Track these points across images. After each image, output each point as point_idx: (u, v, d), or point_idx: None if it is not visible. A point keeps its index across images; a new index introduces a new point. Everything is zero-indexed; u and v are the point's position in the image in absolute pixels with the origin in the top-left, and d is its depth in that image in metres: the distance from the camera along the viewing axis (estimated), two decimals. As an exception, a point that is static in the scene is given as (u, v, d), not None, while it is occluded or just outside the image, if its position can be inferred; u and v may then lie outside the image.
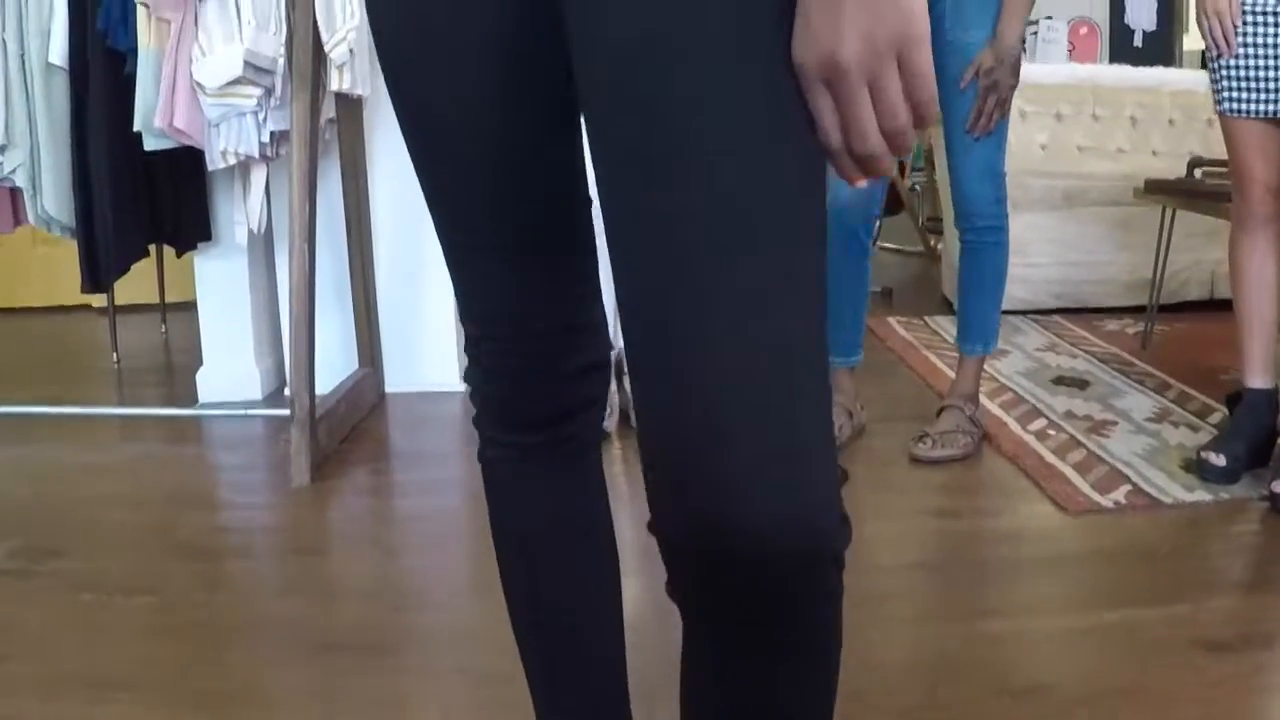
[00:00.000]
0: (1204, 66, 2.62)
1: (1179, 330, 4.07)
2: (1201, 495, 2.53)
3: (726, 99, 0.71)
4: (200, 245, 3.49)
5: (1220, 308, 2.62)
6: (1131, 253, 4.01)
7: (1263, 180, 2.55)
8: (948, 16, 2.66)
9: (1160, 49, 5.91)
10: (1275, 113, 2.49)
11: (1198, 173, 3.52)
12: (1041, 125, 4.58)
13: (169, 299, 4.44)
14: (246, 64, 2.81)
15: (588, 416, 1.06)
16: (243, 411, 3.38)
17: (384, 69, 0.94)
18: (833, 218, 2.53)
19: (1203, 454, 2.62)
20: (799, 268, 0.73)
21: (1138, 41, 6.10)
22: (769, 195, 0.72)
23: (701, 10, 0.71)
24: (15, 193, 3.22)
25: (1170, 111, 4.76)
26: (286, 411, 2.94)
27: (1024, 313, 4.33)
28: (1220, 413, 3.02)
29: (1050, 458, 2.75)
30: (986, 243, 2.80)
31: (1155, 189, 3.70)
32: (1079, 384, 3.40)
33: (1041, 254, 4.28)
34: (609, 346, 1.06)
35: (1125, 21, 6.17)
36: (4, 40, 3.03)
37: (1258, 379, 2.65)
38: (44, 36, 3.00)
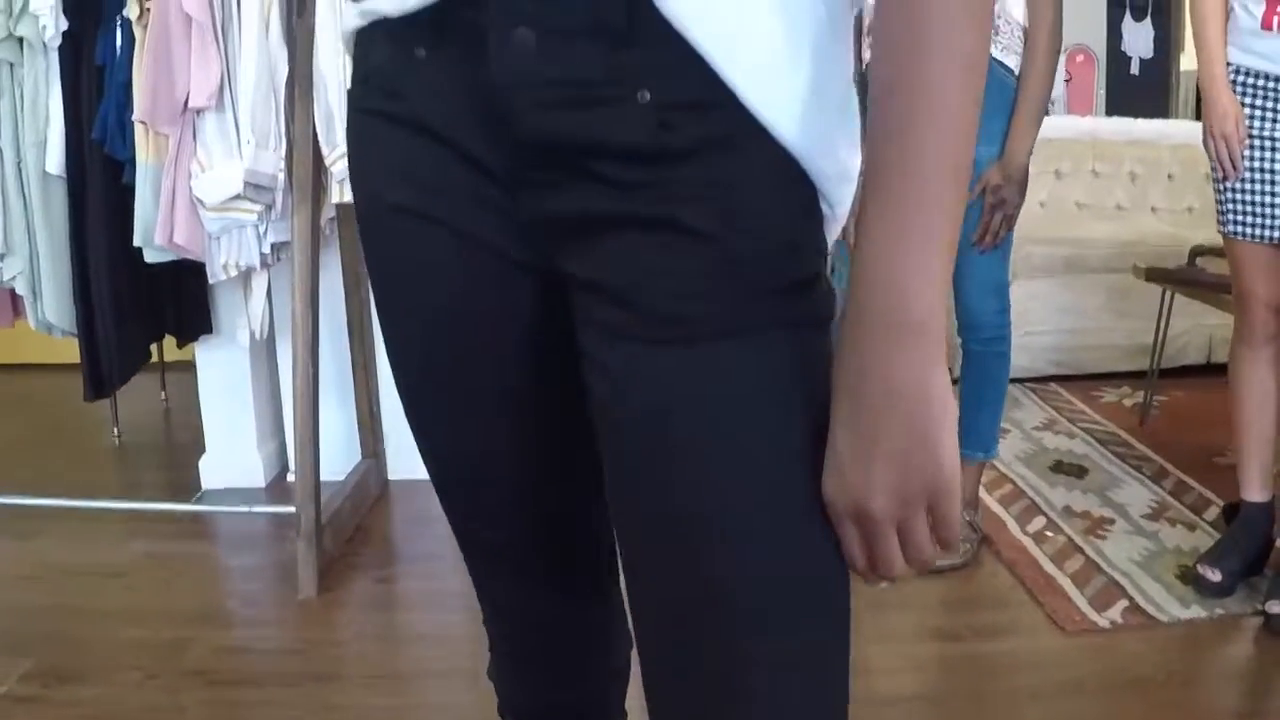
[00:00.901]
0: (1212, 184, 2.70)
1: (1178, 401, 4.18)
2: (1197, 611, 2.63)
3: (751, 484, 0.78)
4: (202, 337, 3.55)
5: (1218, 372, 2.73)
6: (1131, 319, 4.11)
7: (1265, 300, 2.65)
8: None
9: (1157, 76, 5.98)
10: (1278, 239, 2.56)
11: (1199, 261, 3.59)
12: (1041, 183, 4.67)
13: (167, 357, 4.49)
14: (247, 183, 2.87)
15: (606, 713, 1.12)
16: (246, 509, 3.45)
17: (403, 403, 1.00)
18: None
19: (1199, 568, 2.71)
20: (821, 652, 0.80)
21: (1134, 69, 6.17)
22: (791, 579, 0.79)
23: (732, 405, 0.78)
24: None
25: (1170, 165, 4.85)
26: (291, 509, 3.01)
27: (1022, 381, 4.42)
28: (1216, 506, 3.11)
29: (1049, 566, 2.85)
30: (990, 353, 2.88)
31: (1157, 276, 3.80)
32: (1077, 471, 3.50)
33: (1041, 322, 4.37)
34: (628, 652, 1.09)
35: (1122, 49, 6.23)
36: (1, 148, 3.08)
37: (1255, 493, 2.74)
38: (40, 147, 3.05)
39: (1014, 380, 4.26)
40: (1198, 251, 3.63)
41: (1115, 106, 6.16)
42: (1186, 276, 3.66)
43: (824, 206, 0.83)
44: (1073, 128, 4.94)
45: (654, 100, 0.78)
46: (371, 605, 2.92)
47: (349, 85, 0.99)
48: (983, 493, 3.15)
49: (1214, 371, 4.15)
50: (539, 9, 0.78)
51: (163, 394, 4.62)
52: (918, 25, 0.74)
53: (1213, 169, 2.67)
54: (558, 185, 0.82)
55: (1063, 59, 6.12)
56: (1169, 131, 4.90)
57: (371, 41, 0.92)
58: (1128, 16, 6.22)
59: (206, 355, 3.65)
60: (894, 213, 0.74)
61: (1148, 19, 6.15)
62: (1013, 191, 2.71)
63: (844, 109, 0.84)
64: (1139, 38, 6.18)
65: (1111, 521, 3.11)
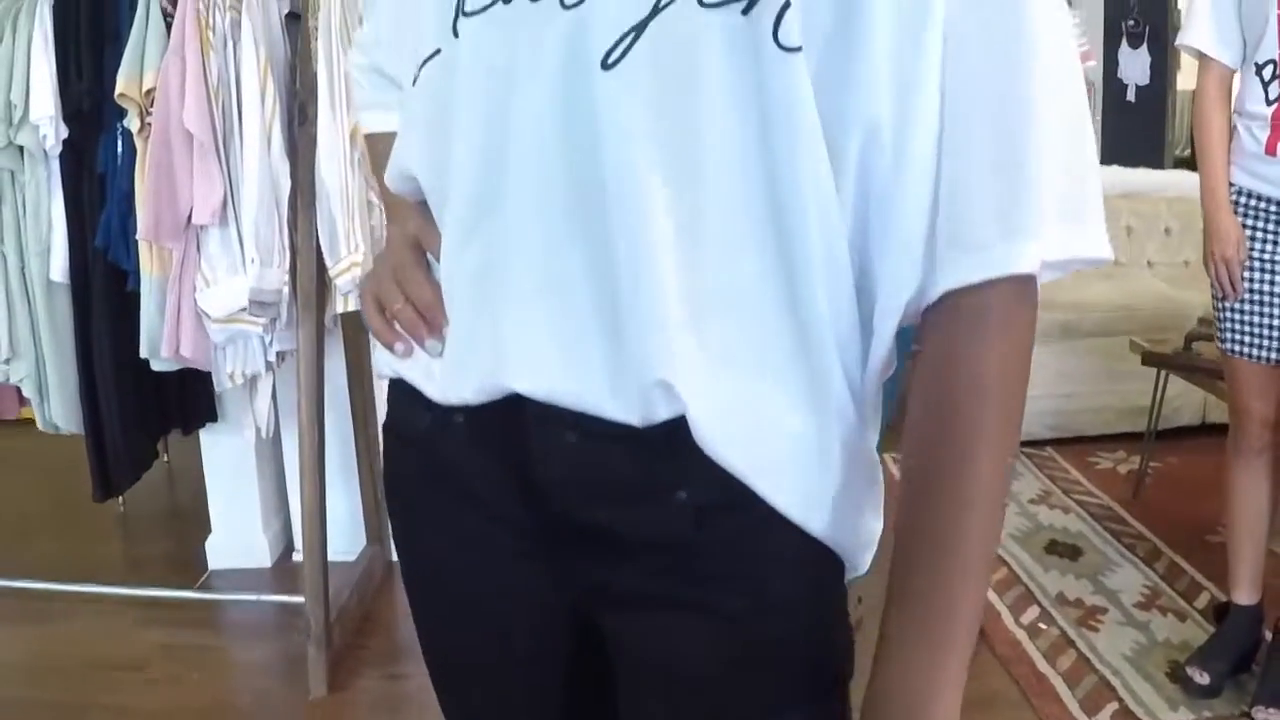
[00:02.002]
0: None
1: (1172, 468, 4.31)
2: (1185, 714, 2.78)
3: None
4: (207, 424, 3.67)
5: (1211, 433, 2.84)
6: (1126, 381, 4.22)
7: (1260, 416, 2.77)
8: None
9: (1153, 103, 6.08)
10: (1277, 361, 2.69)
11: (1196, 345, 3.70)
12: (1035, 240, 4.76)
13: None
14: (252, 301, 2.98)
15: None
16: (255, 597, 3.58)
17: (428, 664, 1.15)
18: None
19: (1187, 669, 2.85)
20: None
21: (1131, 96, 6.26)
22: None
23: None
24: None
25: (1166, 219, 4.96)
26: (300, 599, 3.14)
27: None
28: (1207, 593, 3.24)
29: (1042, 665, 2.99)
30: None
31: (1153, 360, 3.95)
32: (1071, 552, 3.65)
33: (1036, 387, 4.39)
34: None
35: (1119, 76, 6.32)
36: (4, 254, 3.20)
37: (1244, 596, 2.87)
38: (44, 254, 3.16)
39: (1010, 444, 4.41)
40: (1193, 336, 3.74)
41: (1111, 134, 6.25)
42: (1183, 362, 3.81)
43: (848, 566, 0.96)
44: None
45: (691, 500, 0.90)
46: (382, 704, 3.04)
47: (385, 408, 1.12)
48: (978, 577, 3.27)
49: (1208, 432, 4.28)
50: (580, 415, 0.90)
51: (165, 456, 4.73)
52: (958, 492, 0.86)
53: (1213, 288, 2.77)
54: (593, 558, 0.95)
55: (1079, 24, 6.22)
56: (1165, 183, 5.01)
57: (409, 394, 1.05)
58: (1124, 43, 6.31)
59: (212, 439, 3.78)
60: (919, 632, 0.87)
61: (1144, 46, 6.24)
62: None
63: (870, 484, 0.96)
64: (1135, 65, 6.28)
65: (1104, 611, 3.24)
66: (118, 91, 2.92)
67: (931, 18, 0.83)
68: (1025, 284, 0.85)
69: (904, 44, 0.83)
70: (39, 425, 3.38)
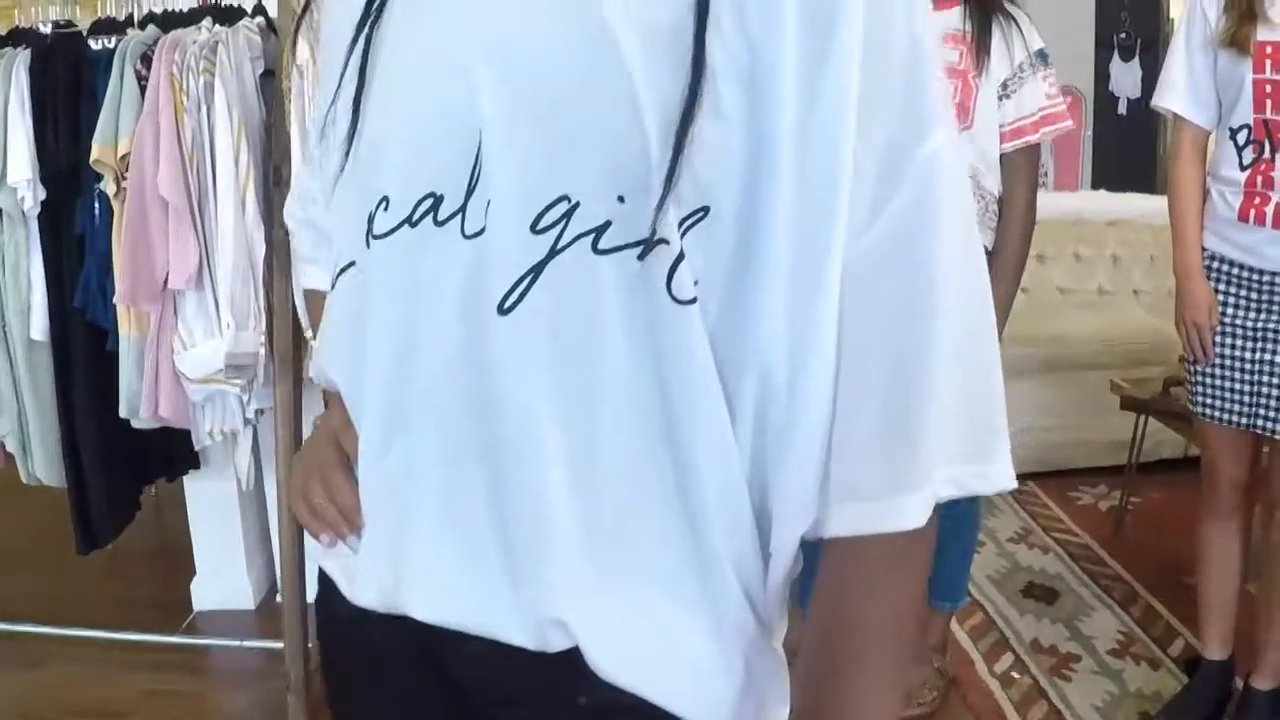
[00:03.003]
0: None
1: (1152, 504, 4.38)
2: (1154, 770, 2.83)
3: None
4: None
5: (1194, 466, 2.88)
6: (1109, 415, 4.26)
7: (1229, 478, 2.82)
8: None
9: (1143, 116, 6.11)
10: (1246, 425, 2.73)
11: (1174, 390, 3.76)
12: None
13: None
14: (228, 365, 3.04)
15: None
16: (238, 643, 3.66)
17: None
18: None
19: (1158, 726, 2.91)
20: None
21: (1122, 109, 6.31)
22: None
23: None
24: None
25: (1152, 247, 5.01)
26: (280, 645, 3.21)
27: (1000, 480, 4.56)
28: (1182, 639, 3.33)
29: (1013, 716, 3.05)
30: (958, 514, 3.00)
31: (1131, 405, 4.04)
32: (1048, 596, 3.72)
33: (1017, 421, 4.43)
34: None
35: (1110, 89, 6.36)
36: (-16, 313, 3.27)
37: (1215, 652, 2.94)
38: (24, 314, 3.22)
39: (992, 479, 4.46)
40: (1171, 381, 3.80)
41: (1101, 152, 6.29)
42: (1161, 406, 3.88)
43: None
44: (1056, 207, 5.06)
45: (591, 703, 0.95)
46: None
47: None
48: (955, 623, 3.35)
49: (1191, 466, 4.30)
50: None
51: (153, 490, 4.78)
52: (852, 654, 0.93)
53: (1184, 352, 2.81)
54: None
55: (1056, 77, 6.26)
56: (1152, 210, 5.03)
57: (331, 583, 1.11)
58: (1116, 57, 6.36)
59: (196, 485, 3.85)
60: None
61: (1135, 59, 6.28)
62: None
63: (774, 677, 1.00)
64: (1127, 78, 6.32)
65: (1078, 659, 3.31)
66: (93, 158, 2.99)
67: (829, 270, 0.86)
68: (913, 533, 0.89)
69: (800, 295, 0.87)
70: (22, 479, 3.44)
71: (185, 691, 3.49)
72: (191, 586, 3.96)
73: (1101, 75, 6.38)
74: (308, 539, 1.14)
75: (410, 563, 0.99)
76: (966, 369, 0.91)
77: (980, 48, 2.76)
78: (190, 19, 3.16)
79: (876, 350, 0.88)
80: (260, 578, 3.97)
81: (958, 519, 3.00)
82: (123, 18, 3.28)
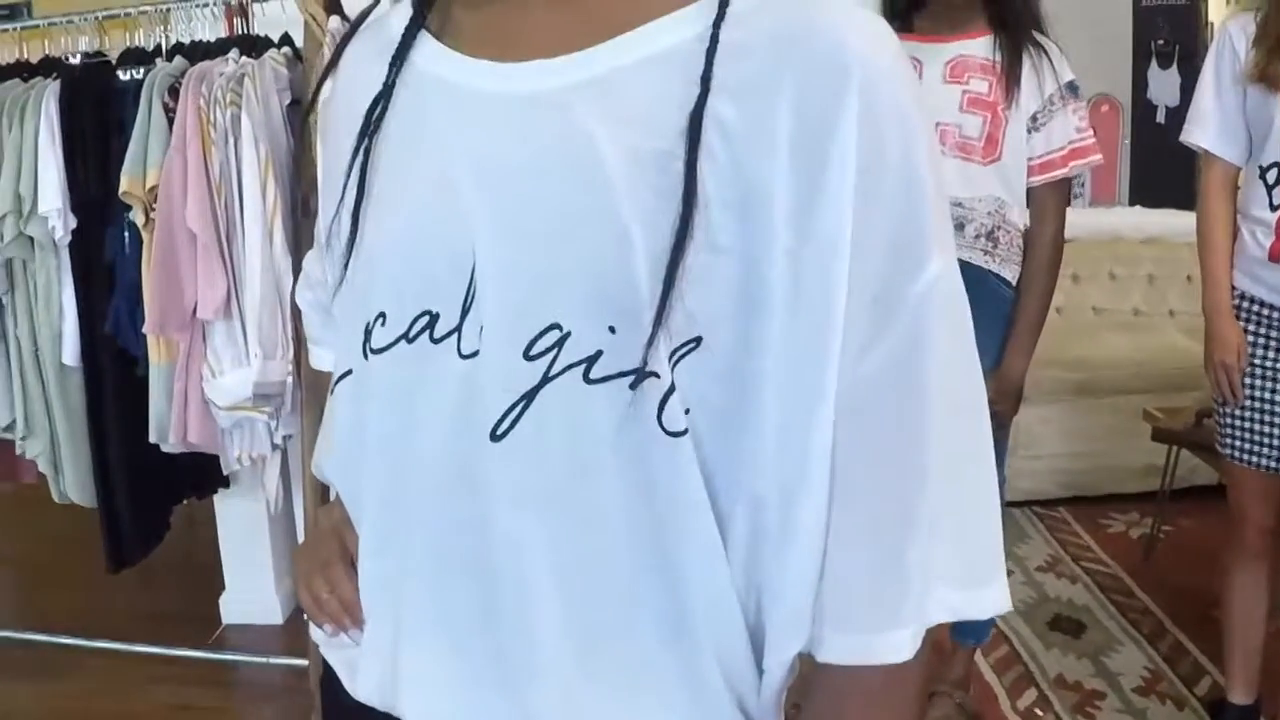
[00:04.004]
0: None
1: (1184, 532, 4.35)
2: (1174, 818, 2.82)
3: None
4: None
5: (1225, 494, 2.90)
6: (1142, 438, 4.22)
7: (1256, 523, 2.80)
8: None
9: (1182, 124, 6.02)
10: (1276, 469, 2.71)
11: (1206, 422, 3.74)
12: (1058, 286, 4.75)
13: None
14: (256, 394, 3.06)
15: None
16: (265, 659, 3.70)
17: None
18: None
19: (1181, 775, 2.90)
20: None
21: (1160, 118, 6.24)
22: None
23: None
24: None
25: (1189, 266, 4.95)
26: (305, 662, 3.25)
27: (1029, 504, 4.60)
28: (1209, 678, 3.31)
29: (1034, 758, 3.04)
30: None
31: (1163, 437, 4.03)
32: (1075, 629, 3.70)
33: (1050, 445, 4.53)
34: None
35: (1148, 97, 6.30)
36: (18, 338, 3.31)
37: (1239, 695, 2.93)
38: (55, 340, 3.27)
39: (1022, 504, 4.45)
40: (1204, 413, 3.77)
41: (1139, 165, 6.24)
42: (1193, 439, 3.86)
43: None
44: (1092, 226, 5.04)
45: None
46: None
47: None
48: (980, 655, 3.34)
49: (1223, 494, 4.28)
50: None
51: (185, 500, 4.83)
52: None
53: (1213, 393, 2.79)
54: None
55: (1086, 108, 6.22)
56: (1188, 228, 4.96)
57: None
58: (1154, 64, 6.29)
59: (225, 503, 3.90)
60: None
61: (1174, 67, 6.21)
62: (1006, 405, 2.81)
63: None
64: (1165, 86, 6.26)
65: (1103, 696, 3.31)
66: (121, 190, 3.03)
67: (821, 402, 0.87)
68: (905, 663, 0.91)
69: (792, 426, 0.88)
70: (54, 498, 3.49)
71: (211, 706, 3.56)
72: (220, 601, 4.02)
73: (1139, 83, 6.32)
74: (312, 626, 1.16)
75: (405, 666, 1.01)
76: (962, 495, 0.92)
77: (1010, 79, 2.74)
78: (217, 50, 3.19)
79: (867, 484, 0.89)
80: (288, 594, 4.01)
81: None
82: (151, 48, 3.30)
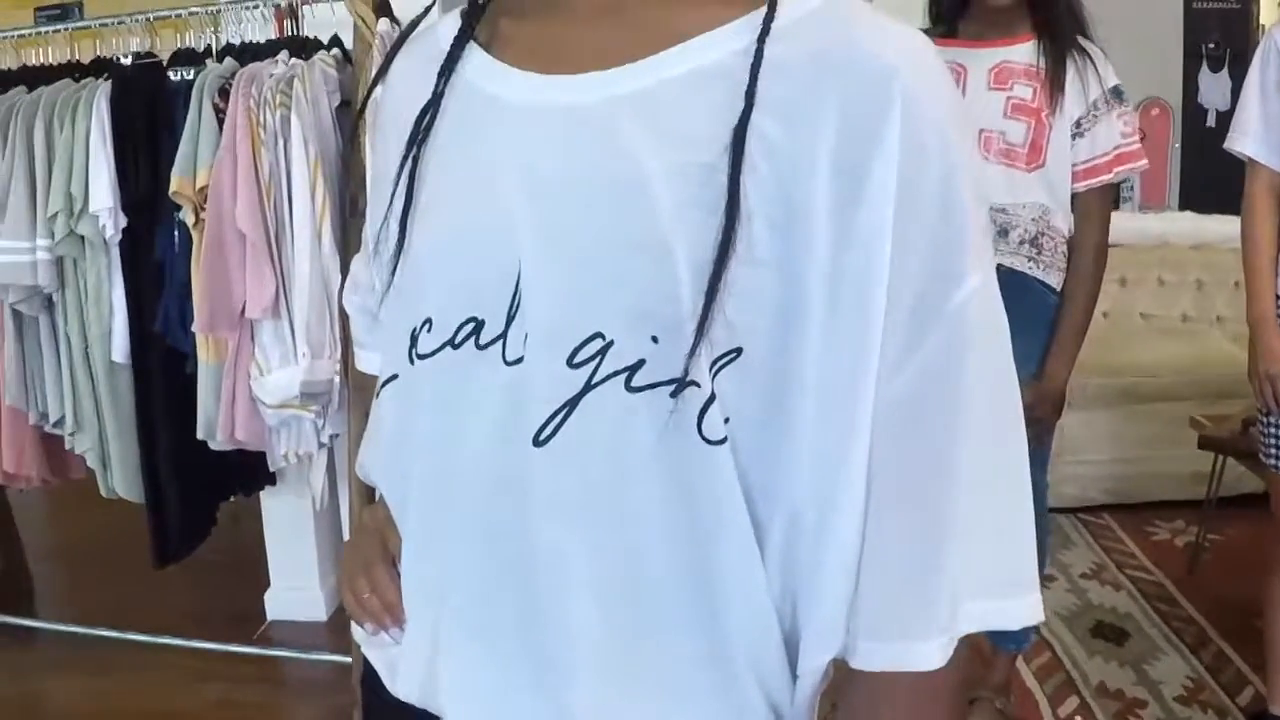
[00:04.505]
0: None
1: (1230, 541, 4.32)
2: (1214, 827, 2.82)
3: None
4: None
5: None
6: (1188, 446, 4.21)
7: None
8: None
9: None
10: None
11: (1253, 430, 3.72)
12: (1106, 292, 4.76)
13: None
14: (303, 394, 3.11)
15: None
16: (310, 655, 3.75)
17: None
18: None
19: (1222, 784, 2.90)
20: None
21: (1210, 122, 6.22)
22: None
23: None
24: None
25: (1236, 272, 4.88)
26: (349, 660, 3.29)
27: (1074, 511, 4.60)
28: (1252, 688, 3.30)
29: (1075, 767, 3.04)
30: None
31: (1209, 445, 4.03)
32: (1118, 636, 3.71)
33: (1095, 452, 4.53)
34: None
35: (1199, 101, 6.28)
36: (68, 335, 3.37)
37: None
38: (105, 337, 3.31)
39: (1066, 510, 4.44)
40: (1250, 421, 3.76)
41: (1189, 171, 6.22)
42: (1240, 447, 3.86)
43: None
44: (1140, 231, 5.04)
45: None
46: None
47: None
48: (1022, 662, 3.35)
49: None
50: None
51: (231, 497, 4.89)
52: None
53: (1258, 402, 2.77)
54: None
55: (1136, 114, 6.20)
56: (1236, 234, 4.93)
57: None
58: (1205, 68, 6.27)
59: (271, 500, 3.96)
60: None
61: (1224, 70, 6.19)
62: (1048, 411, 2.81)
63: None
64: (1215, 90, 6.24)
65: (1144, 705, 3.31)
66: (172, 190, 3.08)
67: (859, 413, 0.89)
68: (937, 671, 0.93)
69: (830, 436, 0.90)
70: (102, 493, 3.55)
71: (255, 701, 3.61)
72: (265, 597, 4.07)
73: (1190, 87, 6.30)
74: (353, 625, 1.18)
75: (444, 666, 1.04)
76: (995, 507, 0.94)
77: (1054, 85, 2.74)
78: (267, 51, 3.24)
79: (902, 495, 0.91)
80: (332, 591, 4.05)
81: None
82: (201, 49, 3.36)
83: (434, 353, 1.00)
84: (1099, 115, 2.77)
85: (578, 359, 0.91)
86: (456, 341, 0.98)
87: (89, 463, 3.50)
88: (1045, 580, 3.93)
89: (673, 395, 0.89)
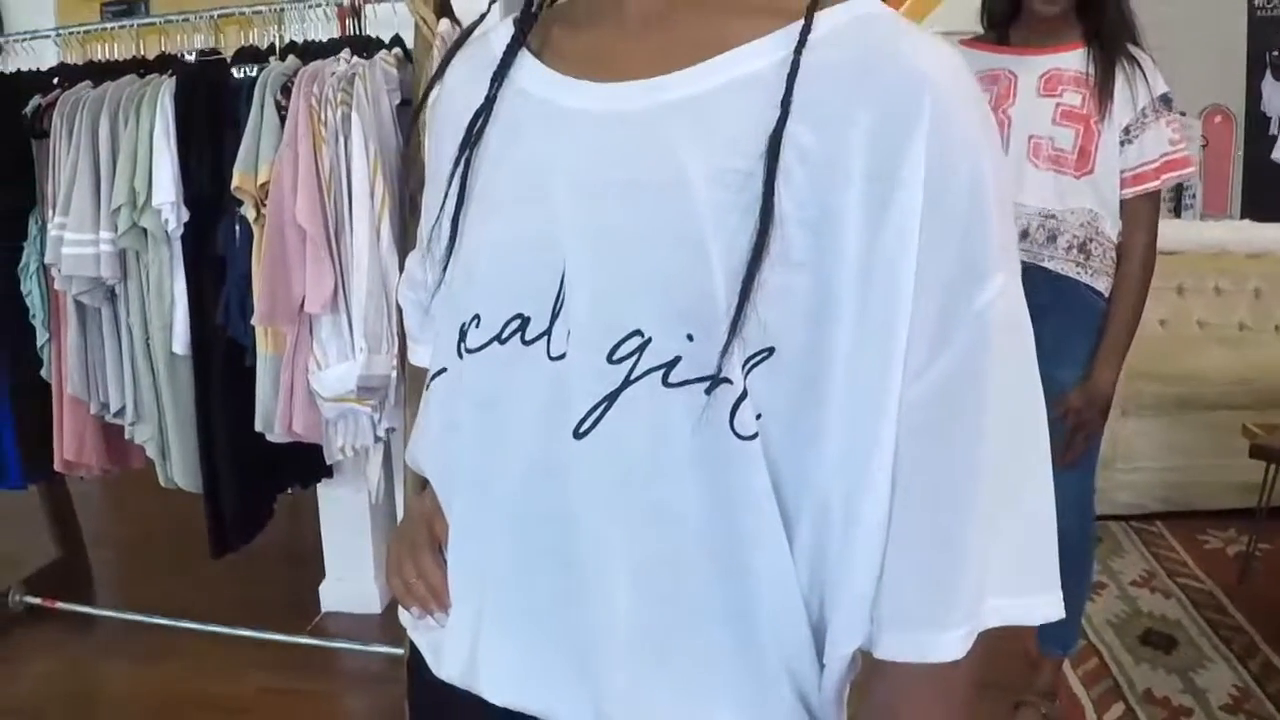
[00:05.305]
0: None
1: (1280, 551, 4.34)
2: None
3: None
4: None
5: None
6: (1242, 456, 4.21)
7: None
8: (1043, 349, 2.85)
9: (1297, 138, 6.03)
10: None
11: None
12: (1163, 299, 4.80)
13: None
14: (360, 387, 3.19)
15: None
16: (362, 647, 3.83)
17: None
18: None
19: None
20: None
21: (1274, 129, 6.22)
22: None
23: None
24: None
25: (1296, 281, 4.95)
26: (401, 651, 3.37)
27: (1126, 518, 4.63)
28: (1298, 699, 3.32)
29: (1119, 774, 3.08)
30: (1069, 565, 3.01)
31: (1260, 454, 4.05)
32: (1166, 644, 3.74)
33: (1148, 459, 4.56)
34: None
35: (1262, 109, 6.27)
36: (130, 327, 3.46)
37: None
38: (166, 329, 3.40)
39: (1119, 517, 4.47)
40: (1303, 429, 3.80)
41: (1253, 168, 6.21)
42: (1292, 455, 3.87)
43: None
44: (1199, 239, 5.05)
45: None
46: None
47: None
48: (1068, 666, 3.39)
49: (1325, 507, 4.30)
50: None
51: (289, 489, 4.98)
52: None
53: None
54: None
55: (1200, 126, 6.21)
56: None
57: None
58: (1268, 75, 6.26)
59: (328, 492, 4.06)
60: None
61: (1289, 76, 6.19)
62: (1095, 415, 2.85)
63: None
64: (1279, 97, 6.22)
65: (1190, 712, 3.34)
66: (234, 185, 3.16)
67: (886, 410, 0.94)
68: (956, 662, 0.98)
69: (858, 432, 0.96)
70: (160, 482, 3.64)
71: (308, 690, 3.70)
72: (320, 588, 4.17)
73: (1253, 94, 6.30)
74: (400, 609, 1.25)
75: (486, 648, 1.11)
76: (1017, 505, 0.99)
77: (1103, 92, 2.79)
78: (330, 50, 3.32)
79: (926, 490, 0.96)
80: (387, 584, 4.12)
81: (1071, 576, 2.96)
82: (265, 47, 3.44)
83: (482, 347, 1.06)
84: (1147, 122, 2.81)
85: (617, 355, 0.97)
86: (503, 337, 1.04)
87: (148, 453, 3.60)
88: (1096, 588, 3.98)
89: (707, 392, 0.95)
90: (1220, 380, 4.66)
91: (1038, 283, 2.80)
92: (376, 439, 3.40)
